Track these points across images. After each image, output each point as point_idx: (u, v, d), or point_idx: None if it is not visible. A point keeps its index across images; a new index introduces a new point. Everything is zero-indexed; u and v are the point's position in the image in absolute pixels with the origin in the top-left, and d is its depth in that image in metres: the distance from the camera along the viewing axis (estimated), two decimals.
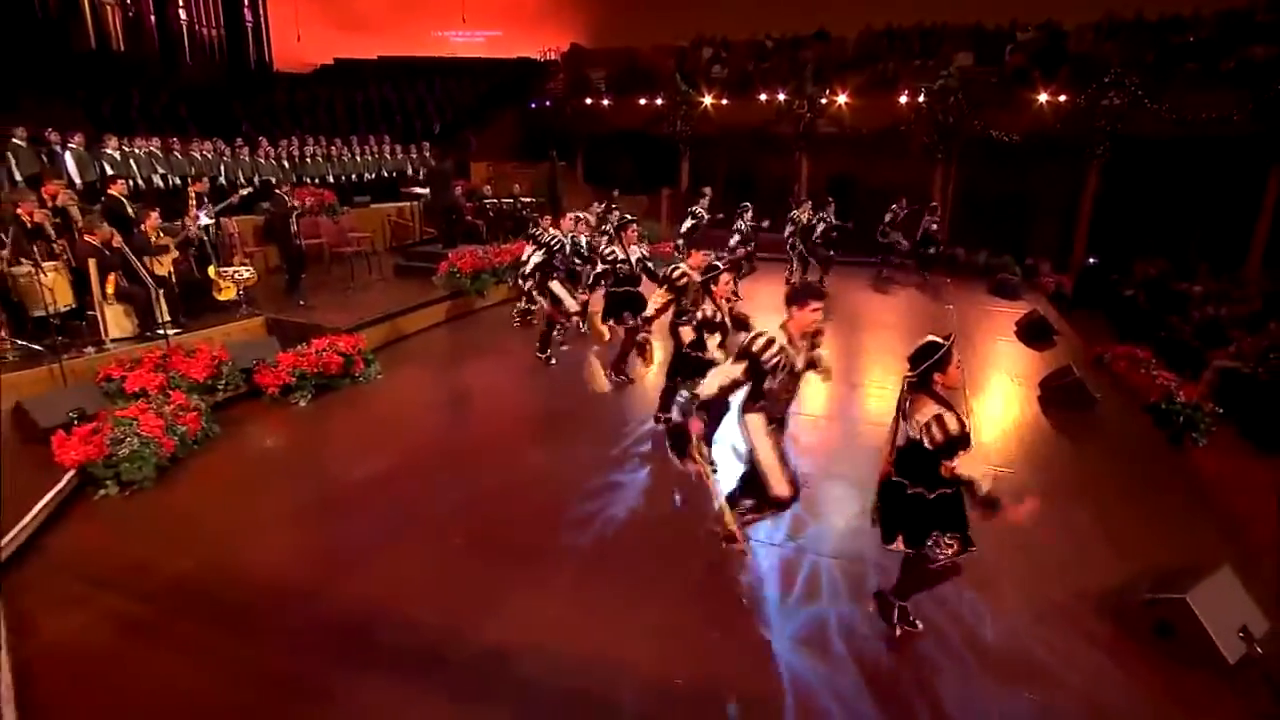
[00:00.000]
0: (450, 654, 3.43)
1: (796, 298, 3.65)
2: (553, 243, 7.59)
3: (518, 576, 4.03)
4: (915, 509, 3.32)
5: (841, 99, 15.75)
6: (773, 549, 4.41)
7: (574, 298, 7.70)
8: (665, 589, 3.97)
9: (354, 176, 13.63)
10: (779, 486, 3.73)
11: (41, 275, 6.38)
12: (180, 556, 4.16)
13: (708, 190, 11.62)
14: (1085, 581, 4.07)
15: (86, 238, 6.95)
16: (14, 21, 13.82)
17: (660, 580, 4.05)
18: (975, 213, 15.86)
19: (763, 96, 16.64)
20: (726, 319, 4.87)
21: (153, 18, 17.39)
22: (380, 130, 15.50)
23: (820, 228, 11.30)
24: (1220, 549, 4.52)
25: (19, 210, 7.04)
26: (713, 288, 4.82)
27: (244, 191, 9.34)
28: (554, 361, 7.68)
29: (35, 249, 6.88)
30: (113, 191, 8.26)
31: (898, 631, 3.61)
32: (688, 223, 10.85)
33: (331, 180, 13.13)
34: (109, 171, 9.58)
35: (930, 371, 3.22)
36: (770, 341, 3.58)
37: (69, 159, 9.25)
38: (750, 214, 10.89)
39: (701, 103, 17.12)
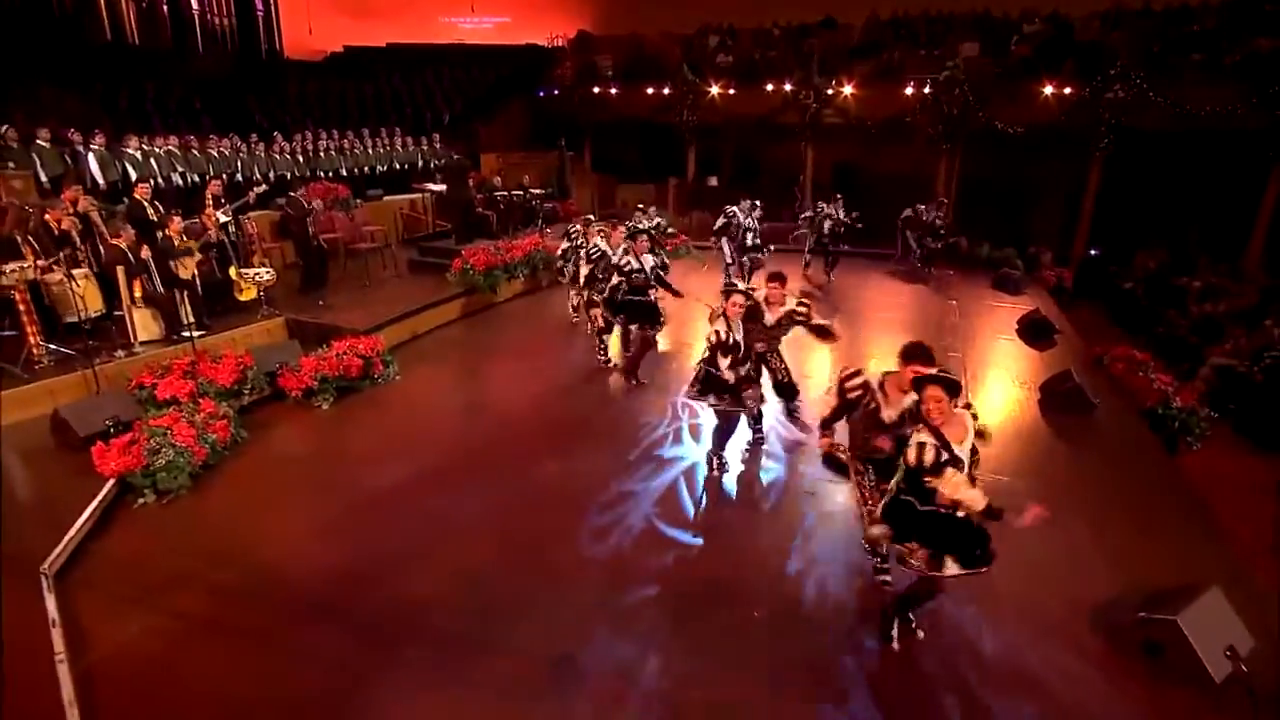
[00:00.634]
0: (477, 671, 3.58)
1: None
2: (593, 252, 7.38)
3: (541, 593, 4.17)
4: (905, 515, 3.48)
5: (847, 89, 15.62)
6: (782, 560, 4.54)
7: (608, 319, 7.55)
8: (677, 608, 4.11)
9: (366, 169, 13.64)
10: None
11: (75, 284, 6.49)
12: (220, 568, 4.32)
13: (745, 203, 11.34)
14: (1080, 594, 4.20)
15: (113, 242, 7.05)
16: (32, 15, 13.75)
17: (673, 599, 4.18)
18: (978, 202, 15.81)
19: (769, 86, 16.49)
20: (739, 338, 4.91)
21: (165, 8, 17.27)
22: (391, 121, 15.47)
23: (827, 224, 11.31)
24: (1211, 560, 4.67)
25: (47, 216, 7.15)
26: (725, 308, 4.89)
27: (259, 189, 9.37)
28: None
29: (61, 255, 7.01)
30: (136, 195, 8.34)
31: (895, 645, 3.75)
32: (720, 220, 10.83)
33: (344, 173, 13.17)
34: (130, 171, 9.64)
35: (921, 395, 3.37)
36: None
37: (92, 160, 9.31)
38: (759, 211, 10.88)
39: (708, 92, 17.00)
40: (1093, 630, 3.94)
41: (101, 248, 7.28)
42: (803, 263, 11.99)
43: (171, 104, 14.26)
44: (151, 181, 9.48)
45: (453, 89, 18.28)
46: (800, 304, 5.73)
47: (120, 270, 6.88)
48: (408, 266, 11.14)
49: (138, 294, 7.07)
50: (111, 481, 5.02)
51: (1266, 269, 12.52)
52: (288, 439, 6.27)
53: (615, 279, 6.83)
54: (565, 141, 17.00)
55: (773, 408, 6.54)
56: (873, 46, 17.13)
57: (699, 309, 6.87)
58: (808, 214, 11.95)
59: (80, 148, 9.40)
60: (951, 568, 3.43)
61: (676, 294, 7.30)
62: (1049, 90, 13.88)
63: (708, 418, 5.85)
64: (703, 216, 17.84)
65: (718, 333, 4.87)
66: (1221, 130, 12.89)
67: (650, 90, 17.75)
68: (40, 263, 6.45)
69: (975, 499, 3.20)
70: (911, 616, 3.86)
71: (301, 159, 12.41)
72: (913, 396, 3.69)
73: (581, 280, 7.60)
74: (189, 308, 7.52)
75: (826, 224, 11.34)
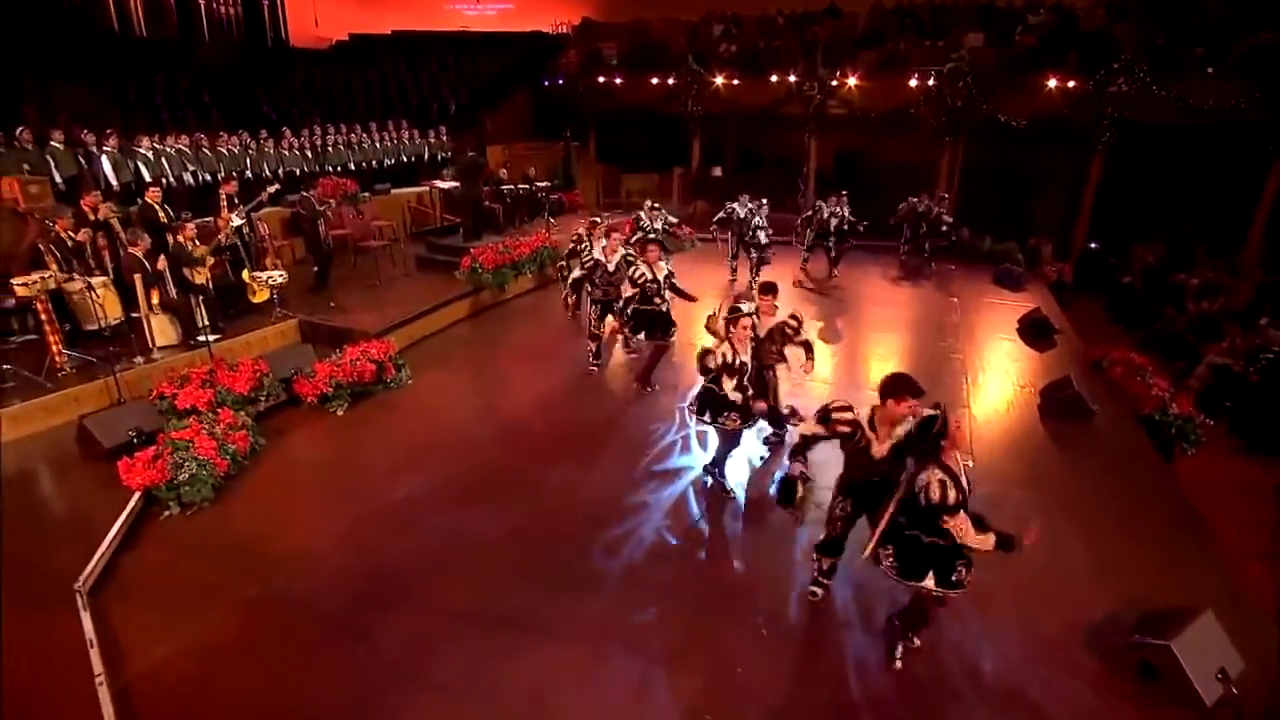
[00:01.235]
0: (496, 688, 3.68)
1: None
2: (587, 262, 7.46)
3: (558, 605, 4.26)
4: (910, 545, 3.54)
5: (852, 81, 15.45)
6: (789, 572, 4.62)
7: (597, 326, 7.63)
8: (691, 622, 4.20)
9: (374, 163, 13.57)
10: None
11: (94, 294, 6.53)
12: (246, 582, 4.40)
13: (762, 203, 11.15)
14: (1076, 612, 4.28)
15: (131, 251, 7.07)
16: (41, 8, 13.60)
17: (684, 613, 4.27)
18: (980, 193, 15.72)
19: (774, 77, 16.31)
20: (745, 359, 4.93)
21: None
22: (397, 113, 15.35)
23: (833, 223, 11.28)
24: (1204, 575, 4.75)
25: (57, 227, 7.16)
26: (732, 330, 4.90)
27: (271, 190, 9.34)
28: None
29: (76, 265, 7.05)
30: (148, 199, 8.33)
31: (898, 664, 3.84)
32: (720, 214, 10.83)
33: (352, 167, 13.11)
34: (143, 171, 9.62)
35: (938, 440, 3.38)
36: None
37: (105, 162, 9.28)
38: (766, 208, 10.84)
39: (713, 82, 16.82)
40: (1088, 649, 4.02)
41: (121, 255, 7.30)
42: (801, 258, 11.94)
43: (180, 96, 14.16)
44: (163, 183, 9.47)
45: (458, 78, 18.10)
46: (791, 317, 5.69)
47: (139, 280, 6.90)
48: (416, 264, 11.15)
49: (155, 302, 7.10)
50: (138, 495, 5.10)
51: (1263, 264, 12.47)
52: (305, 446, 6.33)
53: (628, 289, 6.83)
54: (570, 132, 16.88)
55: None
56: (877, 36, 16.91)
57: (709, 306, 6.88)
58: (808, 214, 11.88)
59: (94, 149, 9.36)
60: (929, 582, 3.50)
61: (690, 298, 7.32)
62: (1053, 84, 13.72)
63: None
64: (707, 206, 17.81)
65: (723, 355, 4.87)
66: (1223, 124, 12.77)
67: (655, 80, 17.57)
68: (60, 275, 6.48)
69: (984, 542, 3.26)
70: (913, 637, 3.94)
71: (310, 154, 12.35)
72: (904, 429, 3.70)
73: (569, 283, 7.66)
74: (204, 311, 7.57)
75: (833, 222, 11.31)
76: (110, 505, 5.02)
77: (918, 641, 3.95)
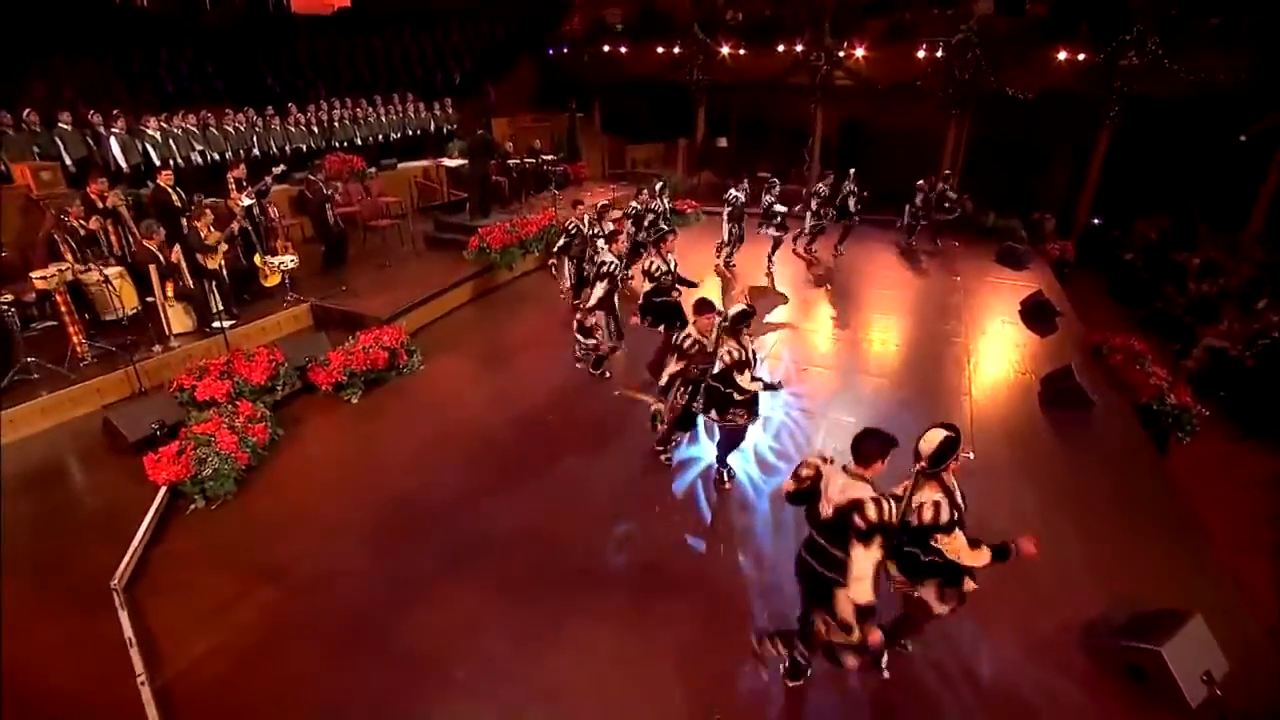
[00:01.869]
0: (517, 686, 3.80)
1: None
2: (610, 268, 6.69)
3: (575, 603, 4.36)
4: (909, 561, 3.61)
5: (859, 52, 15.06)
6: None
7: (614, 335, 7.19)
8: (700, 619, 4.30)
9: (380, 137, 13.37)
10: None
11: (111, 286, 6.53)
12: (273, 581, 4.51)
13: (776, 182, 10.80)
14: (1069, 612, 4.37)
15: (145, 243, 7.03)
16: None
17: (694, 609, 4.38)
18: (986, 165, 15.49)
19: (780, 47, 15.90)
20: (750, 354, 4.95)
21: None
22: (402, 84, 15.06)
23: (851, 201, 11.22)
24: (1194, 573, 4.84)
25: (70, 217, 7.11)
26: (744, 330, 4.93)
27: (277, 171, 9.23)
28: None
29: (90, 254, 7.02)
30: (160, 182, 8.24)
31: (885, 674, 3.94)
32: (726, 208, 10.58)
33: (359, 142, 12.93)
34: (151, 153, 9.50)
35: (946, 461, 3.38)
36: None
37: (114, 144, 9.16)
38: (778, 188, 10.67)
39: (719, 51, 16.41)
40: (1080, 649, 4.12)
41: (133, 247, 7.26)
42: (809, 236, 11.80)
43: (184, 67, 13.87)
44: (173, 163, 9.36)
45: (462, 44, 17.68)
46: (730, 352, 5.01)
47: (154, 270, 6.88)
48: (425, 242, 11.06)
49: (170, 293, 7.09)
50: (164, 489, 5.18)
51: (1264, 243, 12.32)
52: (321, 438, 6.38)
53: (647, 284, 6.77)
54: (575, 103, 16.55)
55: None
56: (885, 3, 16.40)
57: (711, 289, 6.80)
58: (818, 191, 11.61)
59: (101, 129, 9.23)
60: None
61: (692, 285, 7.28)
62: (1063, 56, 13.36)
63: None
64: (712, 178, 17.57)
65: (730, 352, 4.88)
66: (1231, 97, 12.47)
67: (660, 49, 17.14)
68: (78, 267, 6.47)
69: (978, 558, 3.30)
70: (905, 644, 4.03)
71: (317, 130, 12.17)
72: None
73: (593, 302, 6.74)
74: (217, 297, 7.58)
75: (851, 201, 11.23)
76: (138, 499, 5.13)
77: (910, 648, 4.04)
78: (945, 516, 3.28)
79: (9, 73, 11.08)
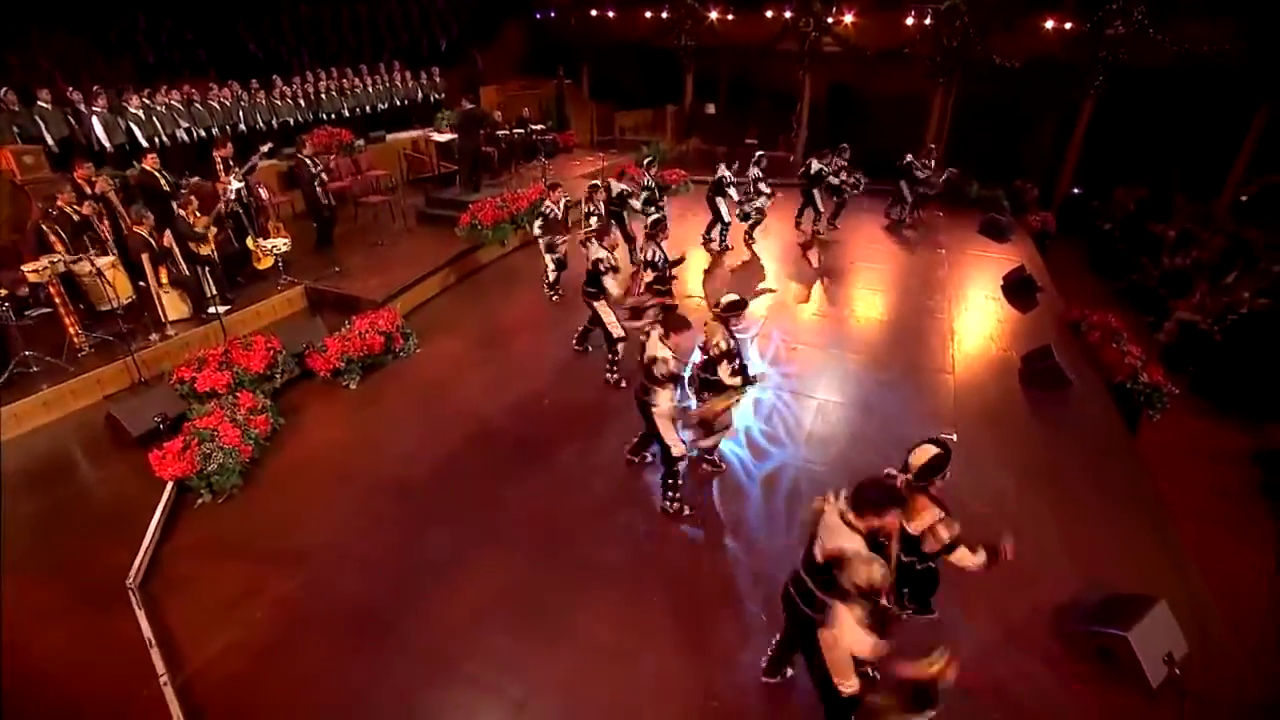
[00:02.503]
0: (524, 679, 3.92)
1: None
2: (608, 263, 6.54)
3: (576, 597, 4.44)
4: (907, 572, 3.71)
5: (848, 18, 14.70)
6: (784, 558, 4.83)
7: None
8: (698, 610, 4.42)
9: (367, 108, 12.98)
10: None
11: (104, 278, 6.39)
12: (281, 575, 4.56)
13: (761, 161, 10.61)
14: (1042, 596, 4.51)
15: (136, 229, 6.87)
16: None
17: (693, 600, 4.49)
18: (970, 132, 15.33)
19: (769, 13, 15.48)
20: (736, 342, 4.97)
21: None
22: (387, 49, 14.54)
23: (843, 177, 11.10)
24: (1161, 553, 5.00)
25: (59, 202, 6.91)
26: (735, 320, 4.94)
27: (265, 148, 8.97)
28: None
29: (83, 241, 6.84)
30: (146, 166, 8.00)
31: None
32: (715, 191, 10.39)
33: (346, 114, 12.56)
34: (135, 131, 9.19)
35: (933, 477, 3.44)
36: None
37: (96, 123, 8.83)
38: (765, 163, 10.51)
39: (707, 17, 15.96)
40: (1051, 634, 4.28)
41: (125, 234, 7.08)
42: (810, 216, 11.66)
43: (163, 36, 13.29)
44: (156, 143, 9.07)
45: (448, 10, 17.04)
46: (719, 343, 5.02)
47: (146, 258, 6.74)
48: (416, 218, 10.85)
49: (164, 280, 6.96)
50: (171, 485, 5.19)
51: (1235, 213, 12.36)
52: (322, 425, 6.36)
53: (649, 274, 6.71)
54: (563, 70, 16.10)
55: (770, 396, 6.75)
56: None
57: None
58: (808, 167, 11.41)
59: (82, 107, 8.89)
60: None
61: (677, 261, 7.26)
62: (1050, 25, 13.12)
63: None
64: (700, 145, 17.28)
65: (717, 345, 4.90)
66: (1213, 67, 12.35)
67: (648, 14, 16.64)
68: (69, 258, 6.32)
69: (978, 562, 3.38)
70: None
71: (303, 103, 11.79)
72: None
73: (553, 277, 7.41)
74: (211, 283, 7.46)
75: (844, 176, 11.17)
76: (145, 494, 5.14)
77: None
78: (947, 536, 3.33)
79: None
